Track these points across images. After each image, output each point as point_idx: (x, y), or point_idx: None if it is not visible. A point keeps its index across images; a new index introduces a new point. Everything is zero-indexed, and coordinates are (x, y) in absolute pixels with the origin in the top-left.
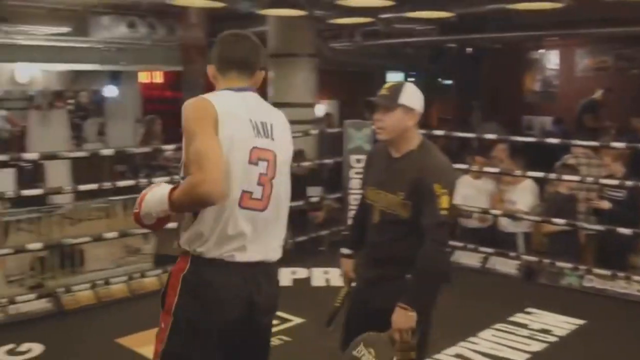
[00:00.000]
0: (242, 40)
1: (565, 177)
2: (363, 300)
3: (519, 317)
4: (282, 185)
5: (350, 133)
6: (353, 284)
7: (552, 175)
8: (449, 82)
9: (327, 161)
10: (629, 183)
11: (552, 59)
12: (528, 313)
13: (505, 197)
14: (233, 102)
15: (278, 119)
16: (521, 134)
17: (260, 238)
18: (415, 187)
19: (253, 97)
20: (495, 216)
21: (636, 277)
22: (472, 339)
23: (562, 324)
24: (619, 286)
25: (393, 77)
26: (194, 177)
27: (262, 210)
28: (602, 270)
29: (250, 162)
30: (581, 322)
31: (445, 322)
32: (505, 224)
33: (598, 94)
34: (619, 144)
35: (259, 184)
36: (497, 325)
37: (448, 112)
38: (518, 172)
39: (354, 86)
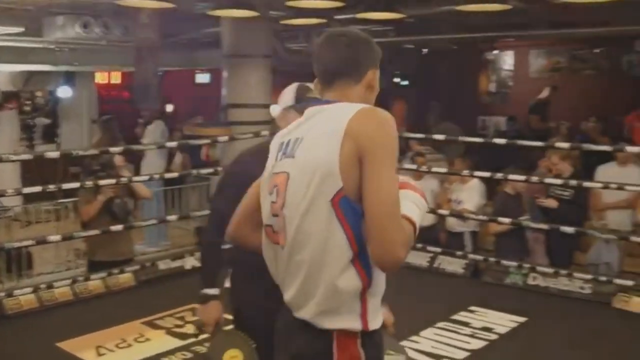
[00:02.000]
0: (328, 45)
1: (512, 177)
2: None
3: (462, 316)
4: (302, 211)
5: None
6: None
7: (499, 175)
8: (406, 83)
9: None
10: (573, 182)
11: (507, 60)
12: (471, 311)
13: (452, 196)
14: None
15: (320, 128)
16: (476, 134)
17: (286, 279)
18: None
19: (313, 110)
20: (443, 216)
21: (578, 274)
22: (414, 338)
23: (503, 322)
24: (562, 283)
25: None
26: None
27: (282, 246)
28: (545, 268)
29: (269, 192)
30: (522, 319)
31: None
32: (453, 224)
33: (545, 93)
34: (563, 144)
35: (273, 214)
36: (440, 324)
37: (406, 113)
38: (465, 172)
39: None
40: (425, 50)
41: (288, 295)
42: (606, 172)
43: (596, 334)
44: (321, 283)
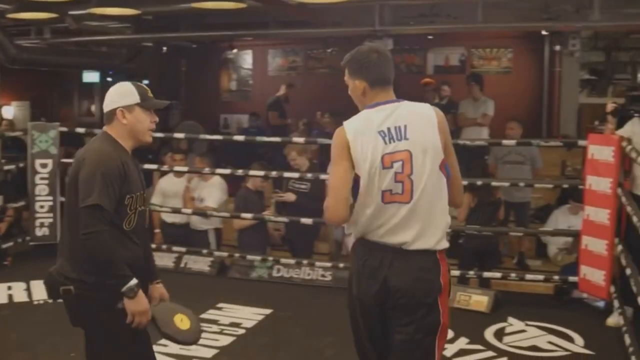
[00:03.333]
0: (378, 56)
1: (252, 172)
2: None
3: (210, 314)
4: (426, 176)
5: (35, 136)
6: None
7: (239, 172)
8: (147, 81)
9: (8, 167)
10: (309, 175)
11: (246, 59)
12: (219, 309)
13: (195, 194)
14: (362, 122)
15: (416, 118)
16: (218, 132)
17: (401, 227)
18: None
19: (391, 107)
20: (187, 214)
21: (319, 263)
22: (162, 341)
23: (250, 316)
24: (305, 273)
25: (88, 76)
26: (326, 202)
27: (407, 202)
28: (288, 259)
29: (384, 168)
30: (268, 311)
31: None
32: (196, 222)
33: (282, 90)
34: (299, 138)
35: (397, 181)
36: None
37: None
38: (207, 170)
39: (46, 86)
40: (164, 49)
41: (403, 237)
42: None
43: (339, 318)
44: (440, 221)
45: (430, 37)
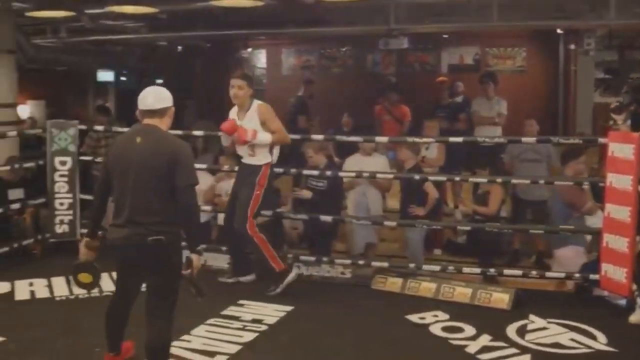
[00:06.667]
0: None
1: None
2: None
3: (231, 310)
4: None
5: (54, 134)
6: None
7: None
8: (161, 80)
9: (29, 164)
10: (328, 173)
11: (260, 58)
12: (241, 305)
13: (217, 191)
14: None
15: None
16: None
17: None
18: None
19: None
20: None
21: (339, 261)
22: (185, 337)
23: (272, 312)
24: (324, 270)
25: (103, 75)
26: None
27: None
28: (307, 257)
29: None
30: (289, 308)
31: None
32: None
33: (303, 89)
34: (317, 136)
35: None
36: (211, 321)
37: None
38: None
39: (62, 85)
40: (179, 48)
41: None
42: (353, 162)
43: (358, 315)
44: None
45: (445, 36)
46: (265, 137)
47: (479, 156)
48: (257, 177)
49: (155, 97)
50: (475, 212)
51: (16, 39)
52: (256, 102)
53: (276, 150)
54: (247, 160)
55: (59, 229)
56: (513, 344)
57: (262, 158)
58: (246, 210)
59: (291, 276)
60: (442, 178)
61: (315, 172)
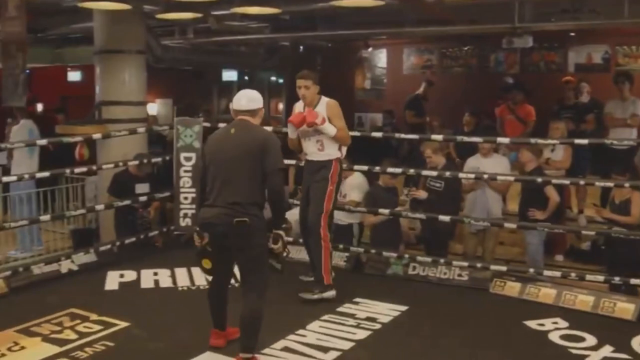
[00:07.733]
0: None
1: (389, 170)
2: None
3: (347, 308)
4: None
5: (180, 130)
6: None
7: (377, 169)
8: (282, 80)
9: (156, 160)
10: (447, 174)
11: (381, 58)
12: (356, 303)
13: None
14: None
15: None
16: (353, 130)
17: None
18: None
19: None
20: None
21: (456, 262)
22: (300, 331)
23: (386, 311)
24: (440, 272)
25: (227, 75)
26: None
27: None
28: (424, 257)
29: None
30: (404, 308)
31: (274, 316)
32: (341, 216)
33: (421, 88)
34: (436, 136)
35: None
36: (326, 317)
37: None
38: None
39: (188, 84)
40: (301, 48)
41: None
42: (473, 163)
43: (474, 318)
44: None
45: (571, 33)
46: (331, 128)
47: (615, 161)
48: (329, 172)
49: (248, 99)
50: (611, 220)
51: (146, 40)
52: (325, 99)
53: (344, 148)
54: (315, 156)
55: (183, 222)
56: (638, 357)
57: (332, 153)
58: (321, 205)
59: (330, 294)
60: (566, 181)
61: (433, 173)
